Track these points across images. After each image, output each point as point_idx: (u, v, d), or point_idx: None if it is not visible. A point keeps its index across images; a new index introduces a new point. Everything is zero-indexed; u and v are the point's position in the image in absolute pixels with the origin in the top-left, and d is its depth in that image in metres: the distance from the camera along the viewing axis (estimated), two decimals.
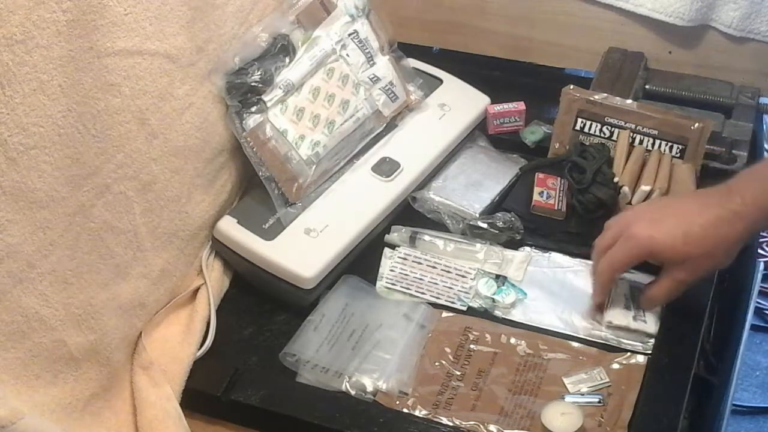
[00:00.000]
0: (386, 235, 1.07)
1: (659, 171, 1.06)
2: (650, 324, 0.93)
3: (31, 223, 0.77)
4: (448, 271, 1.03)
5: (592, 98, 1.11)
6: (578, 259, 1.03)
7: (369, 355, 0.94)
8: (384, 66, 1.09)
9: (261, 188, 1.03)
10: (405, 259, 1.04)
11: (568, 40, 1.27)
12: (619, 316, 0.94)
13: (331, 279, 1.01)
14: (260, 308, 1.03)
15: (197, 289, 1.02)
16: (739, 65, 1.19)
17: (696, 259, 0.86)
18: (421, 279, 1.02)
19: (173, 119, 0.93)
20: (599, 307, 0.96)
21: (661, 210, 0.90)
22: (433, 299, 1.00)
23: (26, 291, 0.78)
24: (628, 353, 0.92)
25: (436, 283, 1.02)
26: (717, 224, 0.84)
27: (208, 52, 0.97)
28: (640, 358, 0.92)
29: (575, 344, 0.94)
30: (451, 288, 1.01)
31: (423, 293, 1.01)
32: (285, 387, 0.92)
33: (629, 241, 0.88)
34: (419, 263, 1.04)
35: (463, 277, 1.02)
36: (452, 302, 1.00)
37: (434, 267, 1.03)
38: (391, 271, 1.03)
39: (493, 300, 0.99)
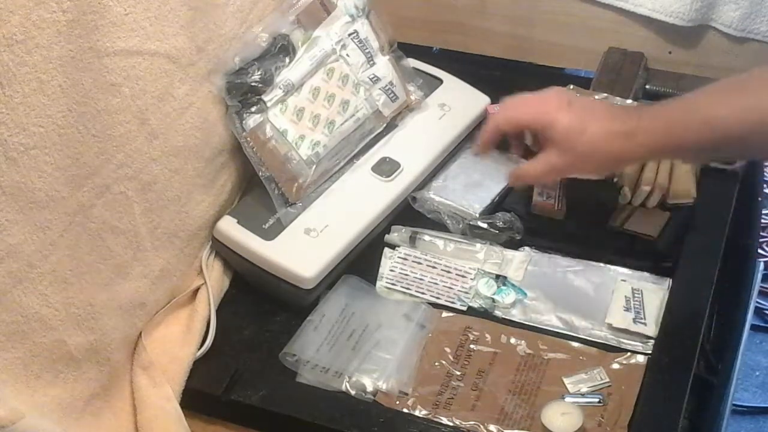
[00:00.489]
0: (386, 235, 1.07)
1: (659, 171, 1.06)
2: (650, 326, 0.93)
3: (31, 223, 0.77)
4: (448, 271, 1.03)
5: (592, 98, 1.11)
6: (578, 259, 1.03)
7: (369, 355, 0.94)
8: (384, 66, 1.09)
9: (261, 188, 1.03)
10: (405, 259, 1.04)
11: (568, 40, 1.26)
12: (619, 318, 0.94)
13: (331, 279, 1.01)
14: (260, 308, 1.03)
15: (197, 289, 1.02)
16: (739, 65, 1.18)
17: (578, 153, 0.87)
18: (421, 279, 1.02)
19: (173, 119, 0.93)
20: (482, 148, 0.98)
21: (581, 102, 0.91)
22: (433, 299, 1.00)
23: (26, 291, 0.78)
24: (628, 353, 0.92)
25: (436, 283, 1.02)
26: (614, 137, 0.85)
27: (208, 52, 0.97)
28: (640, 358, 0.92)
29: (575, 344, 0.94)
30: (451, 288, 1.01)
31: (423, 293, 1.01)
32: (285, 387, 0.92)
33: (539, 103, 0.90)
34: (419, 263, 1.04)
35: (463, 277, 1.02)
36: (452, 302, 1.00)
37: (434, 267, 1.03)
38: (391, 271, 1.03)
39: (493, 300, 0.99)
